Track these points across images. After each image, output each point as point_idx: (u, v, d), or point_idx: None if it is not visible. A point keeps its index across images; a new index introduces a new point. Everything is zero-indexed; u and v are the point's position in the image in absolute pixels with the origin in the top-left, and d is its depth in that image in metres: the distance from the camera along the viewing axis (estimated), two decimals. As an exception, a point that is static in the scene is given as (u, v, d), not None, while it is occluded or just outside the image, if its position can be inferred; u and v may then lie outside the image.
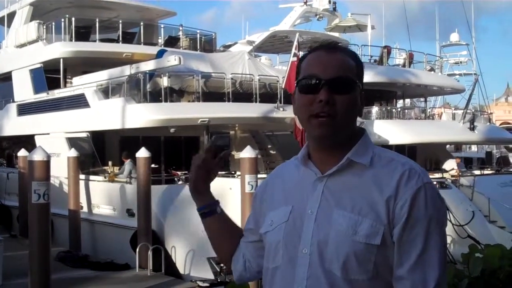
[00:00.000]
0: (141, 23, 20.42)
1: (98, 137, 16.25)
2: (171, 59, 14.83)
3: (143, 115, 14.50)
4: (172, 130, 15.03)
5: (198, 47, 20.66)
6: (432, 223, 1.53)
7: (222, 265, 11.54)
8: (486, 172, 19.26)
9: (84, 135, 16.11)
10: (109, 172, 15.48)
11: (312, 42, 21.05)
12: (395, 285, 1.54)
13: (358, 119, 1.72)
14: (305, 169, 1.68)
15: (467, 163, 24.12)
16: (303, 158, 1.70)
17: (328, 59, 1.64)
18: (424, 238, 1.52)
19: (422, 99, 25.37)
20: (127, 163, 14.80)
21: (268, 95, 16.22)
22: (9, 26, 22.06)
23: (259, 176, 11.27)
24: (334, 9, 24.67)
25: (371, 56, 21.91)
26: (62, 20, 18.96)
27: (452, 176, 16.38)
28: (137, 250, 12.10)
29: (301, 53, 16.51)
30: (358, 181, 1.60)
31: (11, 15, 21.85)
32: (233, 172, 15.73)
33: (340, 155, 1.63)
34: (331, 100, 1.59)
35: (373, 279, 1.54)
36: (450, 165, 19.62)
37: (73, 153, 14.74)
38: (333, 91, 1.60)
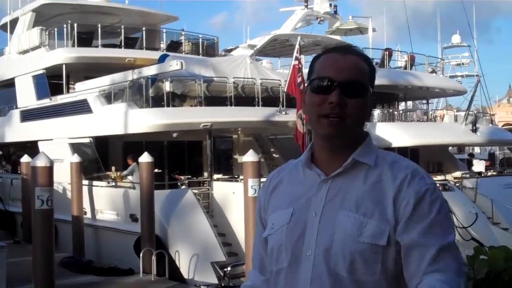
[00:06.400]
0: (143, 28, 20.46)
1: (101, 142, 16.26)
2: (173, 64, 14.85)
3: (145, 120, 14.51)
4: (174, 134, 15.05)
5: (200, 52, 20.67)
6: (440, 215, 1.53)
7: (226, 269, 11.56)
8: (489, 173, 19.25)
9: (87, 140, 16.13)
10: (113, 177, 15.48)
11: (313, 45, 21.08)
12: (410, 252, 1.51)
13: None
14: (309, 172, 1.68)
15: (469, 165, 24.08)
16: (307, 161, 1.69)
17: (342, 61, 1.63)
18: (430, 222, 1.52)
19: (424, 101, 25.37)
20: (133, 166, 14.71)
21: (270, 98, 16.22)
22: (11, 32, 22.11)
23: (262, 180, 11.26)
24: (335, 12, 24.74)
25: (373, 59, 21.92)
26: (65, 26, 18.99)
27: (455, 178, 16.36)
28: (141, 255, 12.09)
29: (302, 57, 16.52)
30: (363, 181, 1.61)
31: (14, 22, 21.90)
32: (236, 176, 15.75)
33: (346, 158, 1.63)
34: (342, 102, 1.59)
35: (381, 280, 1.54)
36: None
37: (76, 158, 14.75)
38: (345, 93, 1.59)
